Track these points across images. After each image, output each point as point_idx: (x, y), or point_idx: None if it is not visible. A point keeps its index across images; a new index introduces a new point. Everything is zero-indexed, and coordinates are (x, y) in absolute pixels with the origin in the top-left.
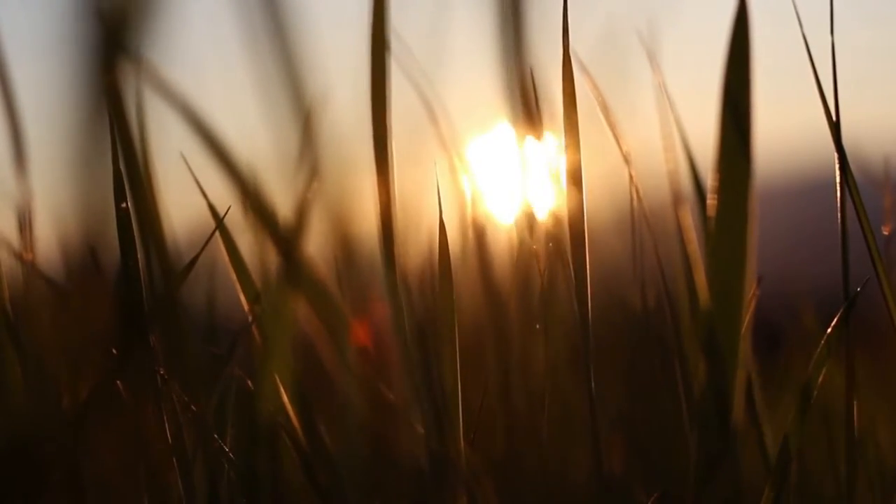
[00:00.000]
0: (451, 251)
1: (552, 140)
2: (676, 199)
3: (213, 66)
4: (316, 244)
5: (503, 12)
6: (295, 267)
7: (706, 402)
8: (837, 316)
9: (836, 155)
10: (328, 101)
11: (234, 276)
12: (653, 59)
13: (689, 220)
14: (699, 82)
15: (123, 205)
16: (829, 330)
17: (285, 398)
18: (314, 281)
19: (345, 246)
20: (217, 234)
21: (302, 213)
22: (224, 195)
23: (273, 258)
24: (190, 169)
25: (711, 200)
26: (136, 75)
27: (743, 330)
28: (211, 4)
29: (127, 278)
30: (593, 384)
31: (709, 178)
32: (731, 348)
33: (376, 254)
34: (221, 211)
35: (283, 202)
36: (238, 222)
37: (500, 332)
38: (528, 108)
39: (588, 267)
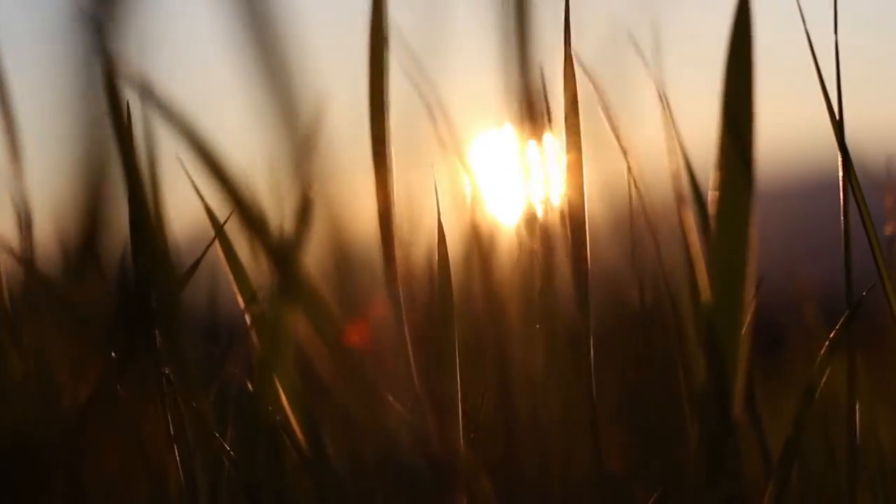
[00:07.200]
0: (450, 252)
1: (553, 140)
2: (678, 198)
3: (204, 66)
4: (313, 246)
5: (505, 10)
6: (290, 274)
7: (707, 400)
8: (841, 321)
9: (839, 155)
10: (325, 100)
11: (231, 280)
12: (654, 58)
13: (691, 219)
14: (703, 81)
15: (136, 205)
16: (832, 334)
17: (284, 398)
18: (309, 285)
19: (342, 248)
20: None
21: (298, 217)
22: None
23: (269, 263)
24: (187, 172)
25: (712, 199)
26: (124, 78)
27: (744, 329)
28: (201, 5)
29: (134, 278)
30: (594, 383)
31: (709, 178)
32: (731, 347)
33: (374, 256)
34: (219, 214)
35: (277, 207)
36: (237, 223)
37: (500, 332)
38: (529, 108)
39: (588, 266)
